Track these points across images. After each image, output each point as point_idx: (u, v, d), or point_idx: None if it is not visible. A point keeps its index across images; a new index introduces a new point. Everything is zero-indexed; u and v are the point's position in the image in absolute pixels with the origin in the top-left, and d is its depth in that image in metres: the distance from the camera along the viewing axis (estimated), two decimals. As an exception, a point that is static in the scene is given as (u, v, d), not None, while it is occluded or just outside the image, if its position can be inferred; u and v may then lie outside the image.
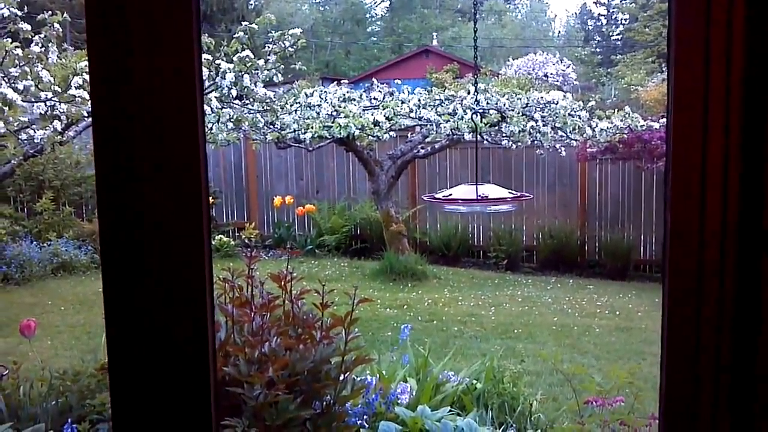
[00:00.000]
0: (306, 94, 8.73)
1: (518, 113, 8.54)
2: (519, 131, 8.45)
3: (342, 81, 9.80)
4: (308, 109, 8.55)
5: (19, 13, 4.86)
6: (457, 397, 4.18)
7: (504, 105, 8.53)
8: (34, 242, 9.14)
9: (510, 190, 3.28)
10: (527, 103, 8.74)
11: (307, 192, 11.70)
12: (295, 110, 8.47)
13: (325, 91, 9.03)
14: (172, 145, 1.32)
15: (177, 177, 1.32)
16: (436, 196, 3.34)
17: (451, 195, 3.23)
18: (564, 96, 9.05)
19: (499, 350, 5.98)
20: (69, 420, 3.79)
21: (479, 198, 3.07)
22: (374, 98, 8.97)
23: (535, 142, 8.93)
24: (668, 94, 1.25)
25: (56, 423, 3.85)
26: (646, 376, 5.21)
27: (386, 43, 42.93)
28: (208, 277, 1.40)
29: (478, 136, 8.47)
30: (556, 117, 8.67)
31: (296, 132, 8.55)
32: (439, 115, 8.55)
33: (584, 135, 9.04)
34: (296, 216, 11.36)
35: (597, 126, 8.96)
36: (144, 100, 1.30)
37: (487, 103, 8.49)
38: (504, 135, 8.68)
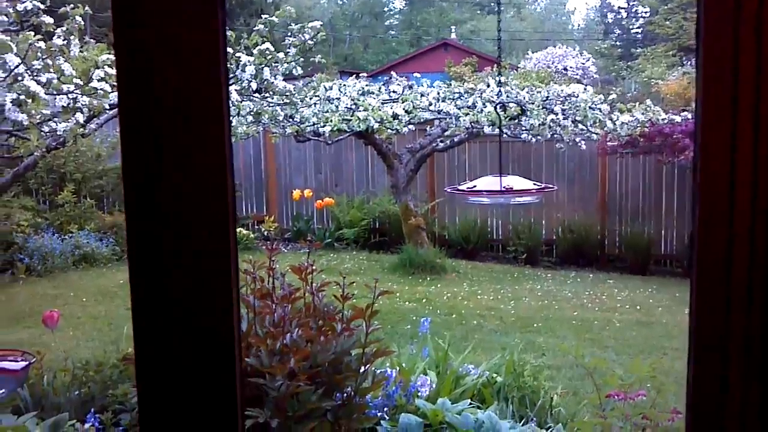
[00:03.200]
0: (325, 88, 8.73)
1: (538, 106, 8.50)
2: (539, 124, 8.41)
3: (360, 74, 9.79)
4: (327, 102, 8.55)
5: (42, 6, 4.88)
6: (477, 390, 4.18)
7: (524, 98, 8.49)
8: (56, 234, 9.22)
9: (534, 182, 3.26)
10: (547, 96, 8.69)
11: (325, 185, 11.71)
12: (315, 103, 8.47)
13: (344, 85, 9.03)
14: (199, 137, 1.32)
15: (203, 169, 1.33)
16: (459, 187, 3.33)
17: (474, 187, 3.22)
18: (585, 89, 8.99)
19: (518, 344, 5.97)
20: (92, 410, 3.83)
21: (503, 189, 3.05)
22: (393, 91, 8.95)
23: (555, 135, 8.89)
24: (696, 84, 1.23)
25: (79, 413, 3.89)
26: (667, 371, 5.18)
27: (404, 36, 42.85)
28: (233, 269, 1.41)
29: (498, 130, 8.43)
30: (577, 110, 8.62)
31: (315, 125, 8.55)
32: (459, 109, 8.52)
33: (605, 128, 8.98)
34: (315, 209, 11.38)
35: (618, 119, 8.90)
36: (170, 93, 1.30)
37: (507, 97, 8.45)
38: (524, 128, 8.64)
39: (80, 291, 7.97)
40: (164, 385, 1.41)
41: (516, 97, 8.57)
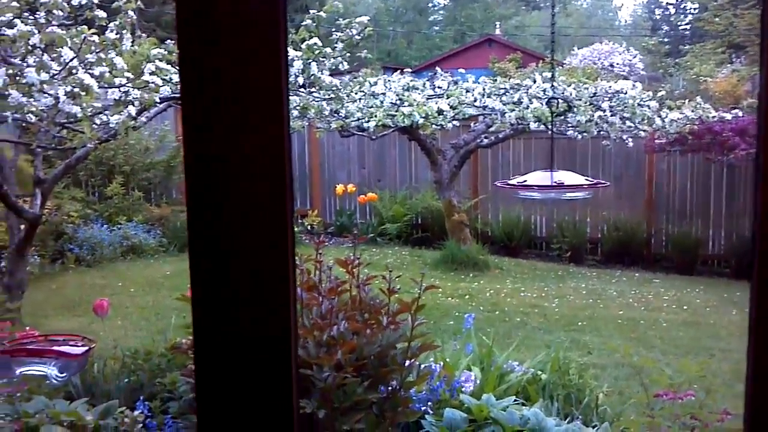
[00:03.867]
0: (370, 83, 8.74)
1: (586, 103, 8.40)
2: (586, 121, 8.32)
3: (405, 70, 9.78)
4: (372, 97, 8.56)
5: (95, 1, 4.97)
6: (521, 387, 4.16)
7: (571, 94, 8.40)
8: (105, 225, 9.39)
9: (587, 177, 3.23)
10: (595, 93, 8.60)
11: (368, 180, 11.73)
12: (360, 99, 8.49)
13: (389, 80, 9.03)
14: (259, 131, 1.34)
15: (263, 162, 1.34)
16: (510, 182, 3.31)
17: (525, 181, 3.20)
18: (633, 86, 8.87)
19: (563, 342, 5.92)
20: (141, 397, 3.90)
21: (555, 184, 3.03)
22: (438, 87, 8.93)
23: (602, 132, 8.79)
24: (760, 81, 1.21)
25: (128, 400, 3.96)
26: (715, 372, 5.11)
27: (448, 32, 42.70)
28: (291, 261, 1.42)
29: (544, 126, 8.37)
30: (625, 107, 8.51)
31: (360, 120, 8.57)
32: (504, 105, 8.47)
33: (653, 125, 8.85)
34: (358, 204, 11.42)
35: (667, 116, 8.76)
36: (231, 86, 1.32)
37: (554, 93, 8.38)
38: (570, 125, 8.56)
39: (128, 281, 8.11)
40: (221, 374, 1.43)
41: (563, 93, 8.49)
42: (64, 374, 2.94)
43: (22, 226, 6.09)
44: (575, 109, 8.27)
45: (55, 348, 2.93)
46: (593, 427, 3.78)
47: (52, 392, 3.89)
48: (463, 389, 3.90)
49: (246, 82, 1.32)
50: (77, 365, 3.04)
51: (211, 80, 1.32)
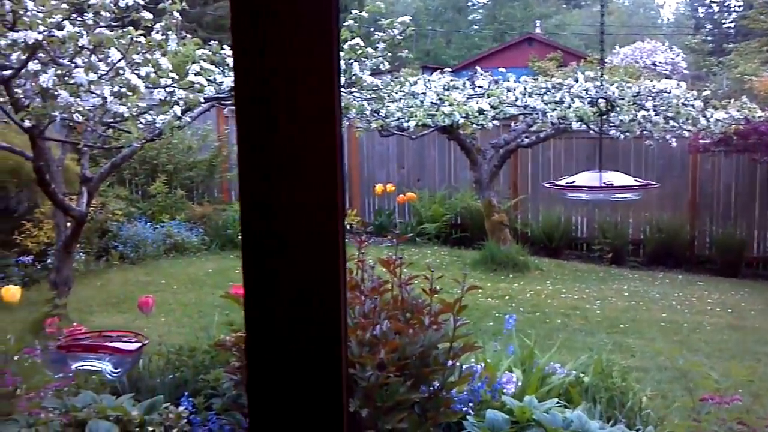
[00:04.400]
0: (410, 83, 8.74)
1: (629, 102, 8.31)
2: (629, 121, 8.23)
3: (444, 69, 9.76)
4: (412, 97, 8.56)
5: (141, 2, 5.04)
6: (563, 389, 4.13)
7: (614, 93, 8.31)
8: (148, 223, 9.53)
9: (636, 178, 3.19)
10: (638, 92, 8.50)
11: (407, 180, 11.73)
12: (400, 98, 8.50)
13: (430, 80, 9.02)
14: (311, 132, 1.35)
15: (315, 162, 1.36)
16: (558, 182, 3.29)
17: (574, 182, 3.18)
18: (677, 85, 8.74)
19: (605, 344, 5.86)
20: (185, 393, 3.95)
21: (604, 185, 3.00)
22: (479, 86, 8.90)
23: (645, 132, 8.68)
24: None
25: (173, 395, 4.02)
26: (762, 376, 5.02)
27: (488, 31, 42.51)
28: (341, 259, 1.43)
29: (586, 126, 8.30)
30: (669, 106, 8.39)
31: (400, 120, 8.57)
32: (546, 104, 8.41)
33: (697, 125, 8.72)
34: (397, 204, 11.42)
35: (712, 116, 8.62)
36: (284, 86, 1.34)
37: (596, 92, 8.29)
38: (612, 124, 8.47)
39: (171, 278, 8.22)
40: (272, 372, 1.45)
41: (605, 92, 8.40)
42: (118, 370, 3.00)
43: (69, 224, 6.21)
44: (618, 109, 8.17)
45: (110, 344, 2.99)
46: (637, 431, 3.74)
47: (98, 387, 3.97)
48: (504, 391, 3.88)
49: (299, 84, 1.34)
50: (131, 361, 3.10)
51: (264, 82, 1.34)
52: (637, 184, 3.10)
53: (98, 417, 3.60)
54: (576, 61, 18.45)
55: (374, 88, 6.52)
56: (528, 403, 3.56)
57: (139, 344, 3.11)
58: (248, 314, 1.45)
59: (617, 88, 8.46)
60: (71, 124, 5.78)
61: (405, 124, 8.52)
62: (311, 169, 1.37)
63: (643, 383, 4.97)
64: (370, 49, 5.89)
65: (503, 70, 9.91)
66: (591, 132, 8.85)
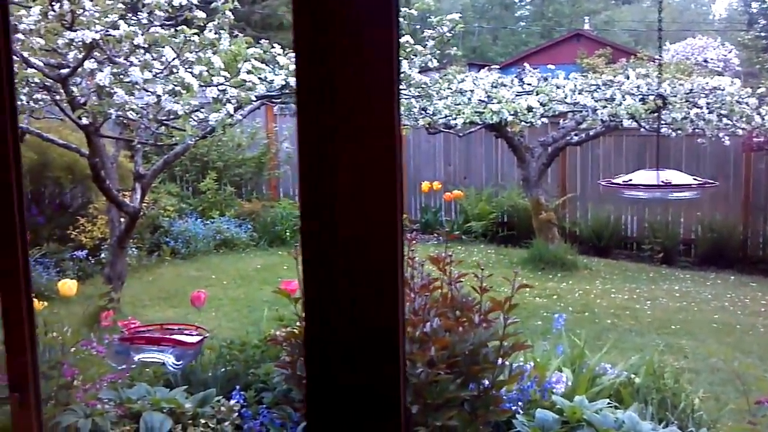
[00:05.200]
0: (458, 80, 8.71)
1: (681, 99, 8.16)
2: (681, 118, 8.08)
3: (492, 67, 9.70)
4: (460, 94, 8.53)
5: (195, 1, 5.12)
6: (614, 390, 4.09)
7: (665, 91, 8.17)
8: (199, 219, 9.68)
9: (694, 177, 3.14)
10: (691, 89, 8.34)
11: (454, 178, 11.70)
12: (447, 96, 8.47)
13: (477, 77, 8.98)
14: (370, 131, 1.36)
15: (374, 161, 1.37)
16: (614, 181, 3.25)
17: (630, 180, 3.14)
18: (731, 82, 8.55)
19: (656, 345, 5.78)
20: (237, 387, 4.01)
21: (661, 184, 2.96)
22: (528, 84, 8.83)
23: (697, 130, 8.52)
24: None
25: (224, 389, 4.09)
26: (818, 381, 4.89)
27: (535, 27, 42.12)
28: (399, 256, 1.44)
29: (637, 123, 8.18)
30: (722, 104, 8.22)
31: (447, 117, 8.55)
32: (596, 101, 8.30)
33: (751, 123, 8.52)
34: (443, 202, 11.40)
35: (767, 114, 8.42)
36: (345, 84, 1.35)
37: (648, 89, 8.17)
38: (664, 122, 8.33)
39: (221, 274, 8.33)
40: (331, 366, 1.46)
41: (656, 89, 8.27)
42: (180, 362, 3.06)
43: (123, 220, 6.34)
44: (670, 106, 8.04)
45: (172, 337, 3.05)
46: (690, 433, 3.69)
47: (152, 380, 4.06)
48: (554, 390, 3.86)
49: (359, 85, 1.35)
50: (192, 354, 3.16)
51: (325, 84, 1.36)
52: (696, 182, 3.05)
53: (152, 409, 3.68)
54: (625, 58, 18.17)
55: (422, 86, 6.52)
56: (579, 403, 3.54)
57: (200, 337, 3.17)
58: (308, 310, 1.47)
59: (669, 85, 8.32)
60: (125, 121, 5.89)
61: (452, 122, 8.49)
62: (371, 169, 1.39)
63: (696, 385, 4.88)
64: (419, 47, 5.89)
65: (552, 66, 9.81)
66: (642, 130, 8.71)
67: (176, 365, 3.06)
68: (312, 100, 1.38)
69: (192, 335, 3.09)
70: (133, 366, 3.37)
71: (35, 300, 4.44)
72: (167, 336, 3.05)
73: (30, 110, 5.86)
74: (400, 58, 5.76)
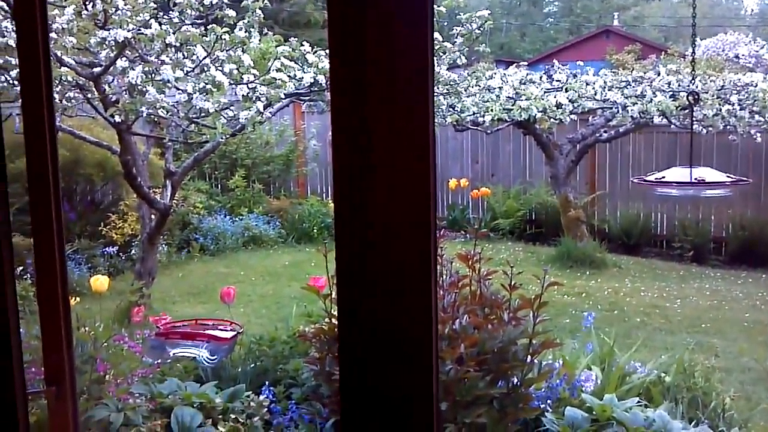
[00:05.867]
0: (486, 77, 8.67)
1: (713, 96, 8.06)
2: (713, 115, 7.99)
3: (520, 63, 9.65)
4: (488, 91, 8.50)
5: (225, 0, 5.16)
6: (644, 388, 4.06)
7: (696, 87, 8.08)
8: (228, 216, 9.75)
9: (727, 174, 3.11)
10: (723, 86, 8.24)
11: (481, 175, 11.66)
12: (475, 93, 8.45)
13: (506, 74, 8.94)
14: (405, 130, 1.37)
15: (408, 160, 1.37)
16: (647, 178, 3.23)
17: (663, 178, 3.12)
18: (764, 78, 8.44)
19: (687, 344, 5.73)
20: (266, 382, 4.04)
21: (695, 181, 2.93)
22: (557, 80, 8.77)
23: (728, 127, 8.41)
24: None
25: (254, 384, 4.12)
26: None
27: (564, 24, 41.81)
28: (432, 254, 1.45)
29: (667, 120, 8.10)
30: (755, 100, 8.11)
31: (475, 114, 8.53)
32: (626, 98, 8.23)
33: (785, 120, 8.40)
34: (470, 199, 11.37)
35: (801, 110, 8.30)
36: (379, 82, 1.36)
37: (679, 85, 8.08)
38: (695, 119, 8.24)
39: (249, 270, 8.39)
40: (364, 361, 1.47)
41: (688, 86, 8.18)
42: (214, 357, 3.10)
43: (153, 216, 6.41)
44: (701, 103, 7.94)
45: (207, 332, 3.09)
46: (721, 433, 3.66)
47: (182, 375, 4.10)
48: (583, 389, 3.85)
49: (393, 84, 1.36)
50: (226, 349, 3.20)
51: (357, 84, 1.37)
52: (729, 180, 3.02)
53: (183, 404, 3.72)
54: (655, 54, 17.99)
55: (450, 83, 6.52)
56: (608, 402, 3.52)
57: (234, 332, 3.21)
58: (341, 307, 1.48)
59: (700, 81, 8.23)
60: (156, 119, 5.95)
61: (480, 119, 8.47)
62: (405, 169, 1.39)
63: (727, 384, 4.84)
64: (447, 44, 5.89)
65: (581, 63, 9.74)
66: (672, 126, 8.62)
67: (210, 360, 3.10)
68: (345, 101, 1.39)
69: (226, 330, 3.13)
70: (168, 361, 3.41)
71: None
72: (202, 331, 3.09)
73: (63, 108, 5.95)
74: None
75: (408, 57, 1.33)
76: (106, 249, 8.05)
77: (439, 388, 2.91)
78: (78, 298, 4.93)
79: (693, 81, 7.24)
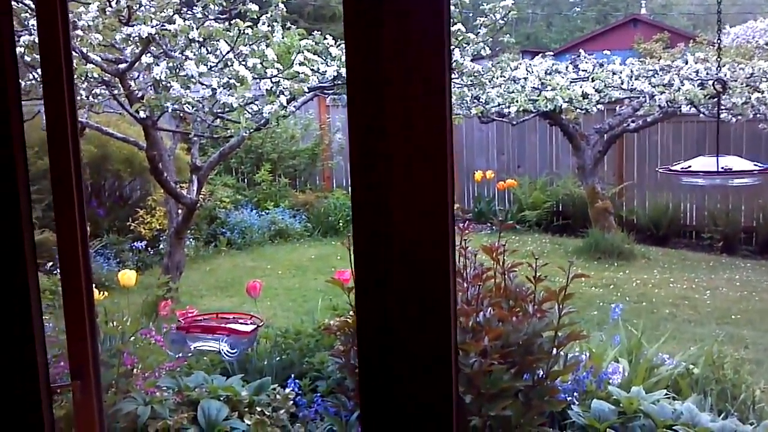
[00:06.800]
0: (511, 68, 8.62)
1: (742, 84, 7.93)
2: (742, 103, 7.86)
3: (546, 53, 9.57)
4: (513, 82, 8.45)
5: (248, -6, 5.17)
6: (672, 381, 4.02)
7: (725, 75, 7.96)
8: (254, 210, 9.80)
9: (755, 163, 3.05)
10: (752, 73, 8.10)
11: (508, 167, 11.59)
12: (500, 84, 8.40)
13: (531, 64, 8.87)
14: (422, 126, 1.36)
15: (425, 155, 1.37)
16: (672, 167, 3.19)
17: (689, 167, 3.07)
18: (796, 65, 8.29)
19: (716, 335, 5.66)
20: (291, 375, 4.06)
21: (721, 170, 2.88)
22: (583, 70, 8.69)
23: (758, 115, 8.27)
24: None
25: (280, 377, 4.14)
26: None
27: (590, 13, 41.36)
28: (450, 246, 1.44)
29: (696, 109, 7.98)
30: (785, 88, 7.97)
31: (500, 106, 8.48)
32: (654, 87, 8.13)
33: (817, 108, 8.24)
34: (496, 191, 11.31)
35: (832, 98, 8.14)
36: (394, 79, 1.35)
37: (707, 73, 7.96)
38: (724, 107, 8.11)
39: (275, 264, 8.43)
40: (382, 352, 1.47)
41: (716, 73, 8.05)
42: (234, 350, 3.12)
43: (180, 211, 6.45)
44: (730, 91, 7.82)
45: (227, 326, 3.11)
46: (751, 425, 3.60)
47: (209, 368, 4.13)
48: (610, 381, 3.82)
49: (410, 78, 1.35)
50: (247, 342, 3.22)
51: (374, 78, 1.36)
52: (757, 168, 2.96)
53: (209, 396, 3.75)
54: (684, 42, 17.73)
55: (475, 74, 6.47)
56: (635, 394, 3.49)
57: (255, 326, 3.23)
58: (359, 302, 1.48)
59: (729, 69, 8.10)
60: (181, 114, 5.99)
61: (505, 110, 8.42)
62: (422, 160, 1.39)
63: (757, 376, 4.77)
64: (471, 35, 5.85)
65: (608, 52, 9.63)
66: (701, 115, 8.50)
67: (231, 353, 3.12)
68: (361, 94, 1.38)
69: (246, 324, 3.14)
70: (190, 354, 3.44)
71: (96, 290, 4.57)
72: (222, 325, 3.11)
73: (89, 105, 6.01)
74: (452, 47, 5.73)
75: (425, 48, 1.32)
76: (135, 244, 8.12)
77: (462, 380, 2.90)
78: (106, 293, 4.98)
79: (719, 68, 7.12)
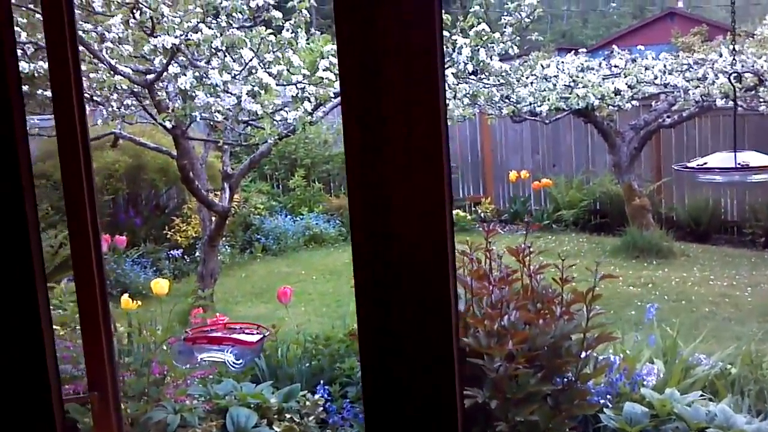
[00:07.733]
0: (542, 66, 8.53)
1: (780, 76, 7.75)
2: (780, 95, 7.68)
3: (580, 50, 9.46)
4: (544, 80, 8.35)
5: (271, 2, 5.19)
6: (708, 381, 3.92)
7: (762, 67, 7.77)
8: (288, 216, 9.84)
9: (776, 157, 2.97)
10: (791, 65, 7.90)
11: (542, 166, 11.48)
12: (531, 83, 8.31)
13: (562, 62, 8.77)
14: (417, 124, 1.34)
15: (421, 154, 1.35)
16: (689, 165, 3.12)
17: (706, 164, 3.00)
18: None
19: (755, 334, 5.51)
20: (321, 381, 4.06)
21: (739, 166, 2.81)
22: (615, 66, 8.56)
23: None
24: None
25: (309, 383, 4.14)
26: None
27: (627, 8, 40.81)
28: (450, 248, 1.42)
29: (732, 103, 7.80)
30: (826, 78, 7.76)
31: (532, 105, 8.40)
32: (688, 81, 7.97)
33: None
34: (532, 190, 11.21)
35: None
36: (389, 79, 1.33)
37: (743, 66, 7.78)
38: (762, 100, 7.92)
39: (310, 269, 8.45)
40: (384, 357, 1.45)
41: (753, 66, 7.87)
42: (240, 361, 3.12)
43: (213, 219, 6.50)
44: (767, 83, 7.64)
45: (233, 336, 3.12)
46: (791, 427, 3.50)
47: (239, 376, 4.15)
48: (644, 383, 3.74)
49: (404, 77, 1.33)
50: (252, 353, 3.22)
51: (370, 75, 1.35)
52: (776, 163, 2.88)
53: (239, 404, 3.77)
54: (722, 35, 17.38)
55: (503, 74, 6.42)
56: (669, 396, 3.41)
57: (261, 336, 3.23)
58: (359, 302, 1.46)
59: (765, 61, 7.90)
60: (212, 123, 6.05)
61: (537, 109, 8.34)
62: (417, 158, 1.37)
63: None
64: (497, 34, 5.79)
65: (642, 47, 9.47)
66: (739, 108, 8.30)
67: (236, 364, 3.12)
68: (356, 93, 1.37)
69: (253, 334, 3.14)
70: (197, 365, 3.46)
71: (130, 300, 4.62)
72: (228, 335, 3.12)
73: (122, 116, 6.10)
74: (478, 47, 5.68)
75: (417, 38, 1.30)
76: (171, 252, 8.21)
77: (488, 385, 2.86)
78: (140, 302, 5.03)
79: (734, 62, 6.96)
